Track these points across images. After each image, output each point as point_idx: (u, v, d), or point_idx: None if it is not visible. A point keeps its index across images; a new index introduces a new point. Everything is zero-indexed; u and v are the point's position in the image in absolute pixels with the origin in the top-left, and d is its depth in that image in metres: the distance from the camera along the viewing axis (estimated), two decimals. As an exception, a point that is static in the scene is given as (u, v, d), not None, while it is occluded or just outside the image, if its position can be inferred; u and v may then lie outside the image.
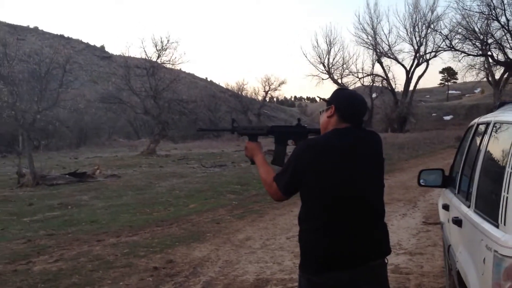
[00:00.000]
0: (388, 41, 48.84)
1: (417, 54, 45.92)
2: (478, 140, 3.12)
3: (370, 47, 47.22)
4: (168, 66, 33.29)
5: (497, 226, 2.11)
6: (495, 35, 37.39)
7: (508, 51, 37.78)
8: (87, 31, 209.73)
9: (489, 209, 2.33)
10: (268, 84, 56.92)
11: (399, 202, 9.87)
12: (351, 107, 2.32)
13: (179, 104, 33.12)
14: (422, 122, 49.95)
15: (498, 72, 40.97)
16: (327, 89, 58.43)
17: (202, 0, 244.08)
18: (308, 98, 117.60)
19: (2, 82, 17.37)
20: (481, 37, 37.92)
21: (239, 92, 56.99)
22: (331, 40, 48.94)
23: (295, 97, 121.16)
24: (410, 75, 46.57)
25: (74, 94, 26.82)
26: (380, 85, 48.43)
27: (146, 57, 32.28)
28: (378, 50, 46.73)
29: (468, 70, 40.81)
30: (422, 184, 4.12)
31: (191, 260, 6.11)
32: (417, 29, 45.54)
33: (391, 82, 47.14)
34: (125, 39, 50.12)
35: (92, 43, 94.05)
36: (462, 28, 38.63)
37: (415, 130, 43.36)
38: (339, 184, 2.18)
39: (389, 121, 45.68)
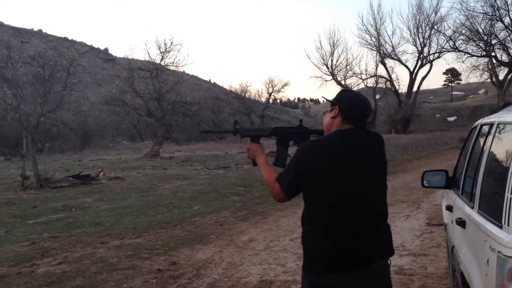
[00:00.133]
0: (391, 42, 49.14)
1: (421, 55, 45.94)
2: (481, 141, 3.11)
3: (373, 49, 47.33)
4: (172, 68, 33.32)
5: (500, 227, 2.10)
6: (499, 35, 37.39)
7: (512, 51, 37.73)
8: (91, 33, 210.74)
9: (493, 210, 2.32)
10: (272, 85, 57.12)
11: (402, 203, 9.85)
12: (354, 108, 2.31)
13: (183, 106, 33.10)
14: (425, 123, 49.88)
15: (502, 73, 40.99)
16: (330, 91, 58.32)
17: (206, 2, 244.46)
18: (311, 100, 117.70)
19: (6, 85, 17.41)
20: (485, 38, 37.89)
21: (243, 94, 57.19)
22: (335, 41, 49.12)
23: (298, 98, 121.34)
24: (413, 76, 46.58)
25: (78, 96, 26.84)
26: (384, 86, 48.48)
27: (150, 59, 32.38)
28: (382, 52, 46.78)
29: (472, 71, 40.83)
30: (426, 185, 4.11)
31: (195, 262, 6.10)
32: (420, 30, 45.62)
33: (395, 83, 47.22)
34: (128, 42, 50.33)
35: (96, 46, 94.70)
36: (465, 29, 38.65)
37: (418, 131, 43.30)
38: (342, 185, 2.18)
39: (392, 122, 45.68)
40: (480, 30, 37.91)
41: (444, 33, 43.13)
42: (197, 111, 38.10)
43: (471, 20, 37.69)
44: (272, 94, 58.52)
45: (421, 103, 55.75)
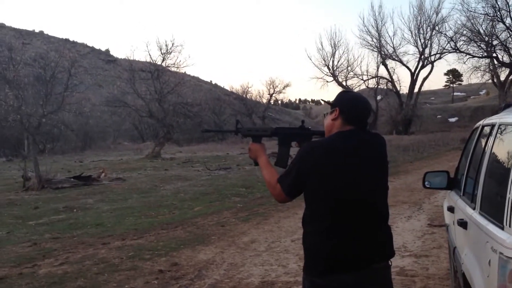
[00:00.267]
0: (392, 43, 49.01)
1: (422, 56, 45.95)
2: (483, 142, 3.11)
3: (374, 50, 47.36)
4: (173, 69, 33.33)
5: (502, 228, 2.10)
6: (500, 36, 37.40)
7: (513, 52, 37.72)
8: (92, 35, 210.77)
9: (494, 211, 2.32)
10: (273, 86, 57.00)
11: (404, 204, 9.85)
12: (355, 109, 2.31)
13: (184, 107, 33.11)
14: (427, 124, 49.86)
15: (503, 74, 40.95)
16: (331, 92, 58.37)
17: (207, 3, 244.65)
18: (312, 101, 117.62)
19: (8, 86, 17.43)
20: (486, 38, 37.89)
21: (244, 95, 57.10)
22: (336, 42, 49.15)
23: (299, 99, 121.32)
24: (415, 77, 46.58)
25: (79, 97, 26.80)
26: (385, 87, 48.50)
27: (151, 61, 32.39)
28: (383, 52, 46.80)
29: (473, 72, 40.83)
30: (427, 186, 4.11)
31: (196, 263, 6.11)
32: (421, 31, 45.63)
33: (396, 84, 47.23)
34: (130, 43, 50.36)
35: (97, 47, 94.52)
36: (467, 30, 38.67)
37: (420, 132, 43.30)
38: (343, 187, 2.18)
39: (394, 123, 45.67)
40: (481, 31, 37.95)
41: (445, 34, 43.20)
42: (198, 112, 38.06)
43: (472, 21, 37.75)
44: (273, 95, 58.47)
45: (422, 104, 55.69)
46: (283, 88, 57.63)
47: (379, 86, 48.49)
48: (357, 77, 48.28)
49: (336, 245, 2.16)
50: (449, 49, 42.43)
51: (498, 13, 35.52)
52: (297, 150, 2.40)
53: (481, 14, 36.92)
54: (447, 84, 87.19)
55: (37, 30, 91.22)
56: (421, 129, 46.04)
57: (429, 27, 45.06)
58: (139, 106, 32.45)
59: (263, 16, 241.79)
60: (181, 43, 58.45)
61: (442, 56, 45.07)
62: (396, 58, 46.90)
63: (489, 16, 36.27)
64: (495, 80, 41.57)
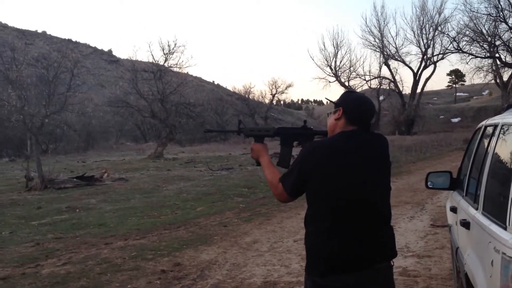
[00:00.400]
0: (395, 43, 48.90)
1: (425, 57, 45.89)
2: (486, 142, 3.11)
3: (377, 50, 47.35)
4: (175, 69, 33.36)
5: (505, 228, 2.10)
6: (503, 37, 37.34)
7: (516, 52, 37.64)
8: (95, 35, 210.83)
9: (497, 211, 2.32)
10: (275, 87, 57.02)
11: (406, 204, 9.84)
12: (358, 110, 2.31)
13: (186, 107, 33.14)
14: (429, 125, 49.83)
15: (506, 74, 40.91)
16: (334, 92, 58.20)
17: (209, 4, 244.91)
18: (315, 101, 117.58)
19: (11, 87, 17.49)
20: (489, 39, 37.82)
21: (246, 95, 57.14)
22: (338, 43, 49.17)
23: (302, 100, 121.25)
24: (417, 77, 46.55)
25: (81, 98, 26.89)
26: (388, 87, 48.46)
27: (154, 61, 32.43)
28: (385, 53, 46.79)
29: (476, 72, 40.73)
30: (430, 186, 4.11)
31: (199, 263, 6.11)
32: (424, 32, 45.60)
33: (399, 85, 47.18)
34: (132, 43, 50.40)
35: (99, 47, 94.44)
36: (469, 30, 38.61)
37: (422, 132, 43.26)
38: (344, 187, 2.18)
39: (396, 123, 45.65)
40: (484, 31, 37.88)
41: (448, 34, 43.16)
42: (201, 113, 38.09)
43: (475, 21, 37.67)
44: (276, 95, 58.48)
45: (425, 104, 55.70)
46: (286, 89, 57.70)
47: (381, 87, 48.46)
48: (360, 77, 48.34)
49: (338, 245, 2.16)
50: (451, 49, 42.45)
51: (501, 13, 35.46)
52: (299, 150, 2.40)
53: (484, 14, 36.89)
54: (450, 84, 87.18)
55: (39, 31, 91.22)
56: (424, 130, 46.04)
57: (431, 28, 45.08)
58: (141, 106, 32.47)
59: (264, 16, 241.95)
60: (183, 44, 58.31)
61: (444, 56, 45.10)
62: (399, 59, 46.94)
63: (492, 16, 36.22)
64: (498, 81, 41.51)
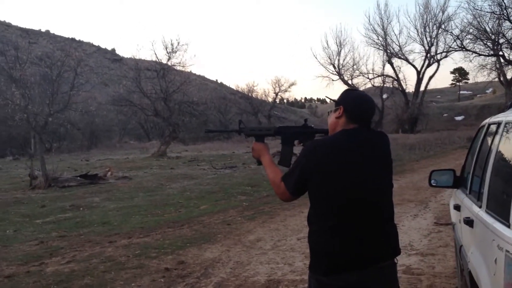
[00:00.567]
0: (398, 41, 48.99)
1: (428, 55, 45.75)
2: (489, 140, 3.11)
3: (380, 48, 47.19)
4: (179, 68, 33.33)
5: (508, 226, 2.10)
6: (507, 34, 37.10)
7: (519, 50, 37.50)
8: (98, 34, 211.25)
9: (501, 209, 2.32)
10: (278, 85, 57.03)
11: (410, 202, 9.83)
12: (359, 108, 2.31)
13: (190, 106, 33.16)
14: (433, 123, 49.71)
15: (510, 72, 40.68)
16: (337, 90, 58.12)
17: (213, 3, 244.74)
18: (318, 99, 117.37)
19: (14, 85, 17.49)
20: (493, 37, 37.65)
21: (249, 94, 57.13)
22: (341, 41, 49.04)
23: (305, 98, 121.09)
24: (421, 75, 46.40)
25: (85, 96, 26.91)
26: (391, 86, 48.34)
27: (157, 60, 32.42)
28: (389, 51, 46.62)
29: (480, 70, 40.58)
30: (433, 184, 4.10)
31: (202, 261, 6.12)
32: (427, 30, 45.42)
33: (402, 83, 47.04)
34: (135, 42, 50.41)
35: (103, 46, 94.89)
36: (473, 28, 38.41)
37: (426, 130, 43.16)
38: (346, 186, 2.17)
39: (400, 121, 45.53)
40: (488, 29, 37.69)
41: (451, 32, 42.94)
42: (204, 111, 38.16)
43: (478, 19, 37.47)
44: (279, 94, 58.49)
45: (428, 102, 55.50)
46: (289, 87, 57.72)
47: (385, 85, 48.35)
48: (363, 75, 48.20)
49: (341, 243, 2.16)
50: (455, 47, 42.21)
51: (505, 11, 35.26)
52: (301, 148, 2.40)
53: (487, 12, 36.65)
54: (453, 82, 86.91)
55: (43, 30, 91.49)
56: (427, 128, 45.91)
57: (435, 26, 44.88)
58: (145, 105, 32.50)
59: (269, 15, 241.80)
60: (186, 42, 58.44)
61: (448, 54, 44.85)
62: (402, 57, 46.76)
63: (496, 14, 36.03)
64: (501, 78, 41.33)
